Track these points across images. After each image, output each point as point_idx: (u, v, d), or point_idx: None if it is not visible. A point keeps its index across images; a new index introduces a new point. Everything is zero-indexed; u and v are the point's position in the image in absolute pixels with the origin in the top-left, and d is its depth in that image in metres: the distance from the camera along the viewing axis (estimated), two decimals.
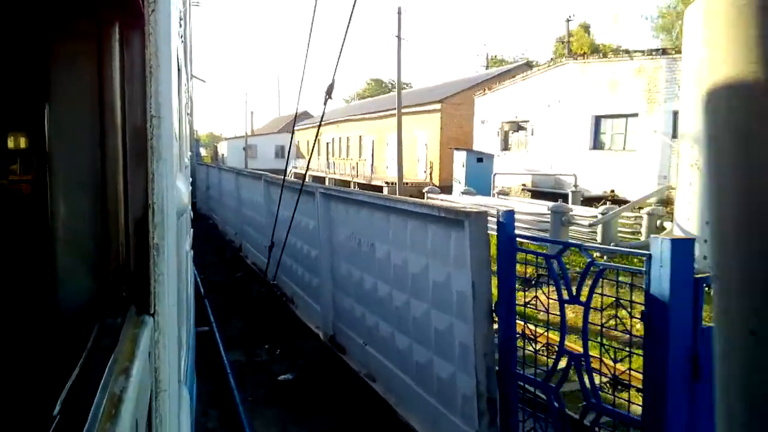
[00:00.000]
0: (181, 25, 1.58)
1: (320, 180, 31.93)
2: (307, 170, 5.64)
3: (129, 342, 0.62)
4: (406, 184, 21.73)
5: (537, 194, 13.42)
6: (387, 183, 21.65)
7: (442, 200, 10.09)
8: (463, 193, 11.65)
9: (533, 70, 16.26)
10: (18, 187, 0.81)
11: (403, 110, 25.10)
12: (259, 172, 7.68)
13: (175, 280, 0.83)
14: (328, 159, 38.61)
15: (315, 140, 5.76)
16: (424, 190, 11.84)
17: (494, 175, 14.91)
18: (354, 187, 25.09)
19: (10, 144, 0.85)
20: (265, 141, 47.71)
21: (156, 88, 0.71)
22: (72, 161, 0.73)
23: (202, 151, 43.09)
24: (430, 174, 22.74)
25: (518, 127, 16.65)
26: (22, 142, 0.85)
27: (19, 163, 0.84)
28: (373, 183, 23.32)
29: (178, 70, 1.31)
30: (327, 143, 41.08)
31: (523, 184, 15.16)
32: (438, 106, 22.52)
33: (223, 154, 48.01)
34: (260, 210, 6.64)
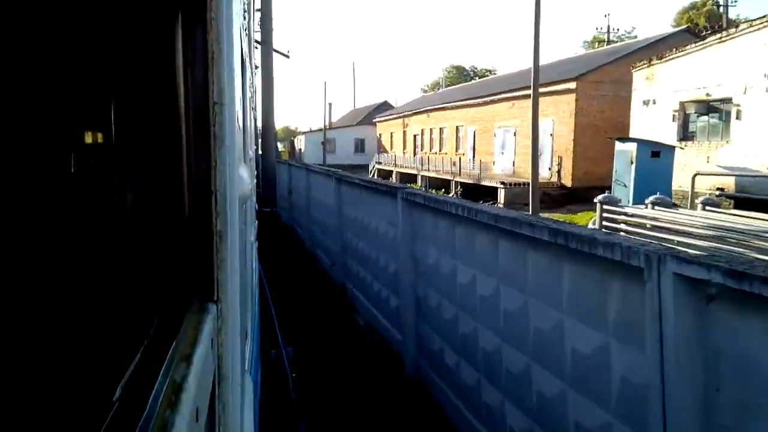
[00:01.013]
0: (245, 18, 1.91)
1: (411, 179, 33.13)
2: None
3: (191, 329, 0.77)
4: (518, 185, 20.96)
5: (745, 202, 11.54)
6: (503, 184, 21.15)
7: (637, 217, 7.60)
8: (653, 204, 8.14)
9: (740, 29, 14.02)
10: (91, 178, 1.11)
11: (519, 92, 24.61)
12: (384, 182, 6.38)
13: (238, 268, 1.02)
14: (415, 153, 40.16)
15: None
16: (597, 199, 8.82)
17: (694, 176, 12.93)
18: (456, 188, 25.73)
19: (88, 139, 1.16)
20: (344, 134, 52.87)
21: (218, 75, 0.88)
22: (137, 150, 0.93)
23: (279, 146, 47.95)
24: (558, 172, 21.84)
25: (708, 108, 14.73)
26: (95, 137, 1.17)
27: (93, 155, 1.15)
28: (483, 183, 23.02)
29: (242, 62, 1.59)
30: (415, 136, 42.67)
31: (719, 188, 13.34)
32: (572, 84, 21.43)
33: (300, 149, 53.16)
34: (388, 248, 4.75)
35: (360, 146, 52.50)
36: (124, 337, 0.84)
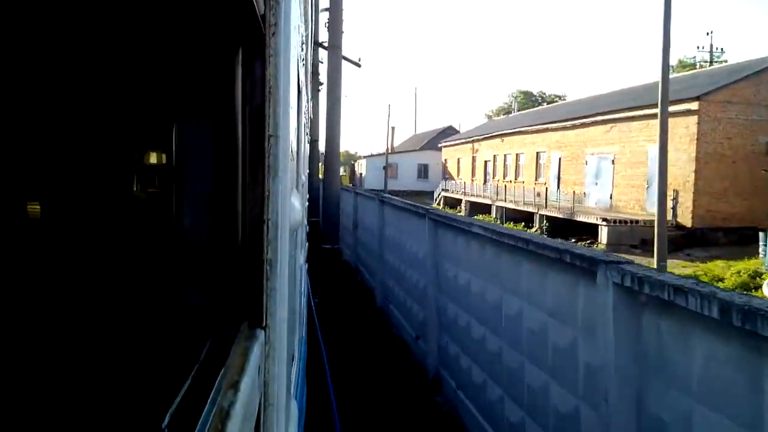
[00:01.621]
0: (303, 49, 2.19)
1: (483, 210, 33.20)
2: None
3: (240, 356, 0.90)
4: (624, 222, 20.14)
5: None
6: (606, 221, 20.55)
7: None
8: None
9: None
10: (151, 200, 1.36)
11: (621, 114, 24.09)
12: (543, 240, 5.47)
13: (286, 295, 1.17)
14: (485, 181, 40.56)
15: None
16: None
17: None
18: (541, 222, 25.48)
19: (153, 160, 1.41)
20: (407, 159, 56.41)
21: (274, 109, 1.04)
22: (195, 177, 1.11)
23: (340, 170, 49.93)
24: (674, 209, 20.74)
25: None
26: (156, 158, 1.42)
27: (155, 178, 1.41)
28: (578, 219, 22.63)
29: (298, 91, 1.83)
30: (486, 162, 43.72)
31: None
32: (693, 105, 20.75)
33: (361, 174, 56.78)
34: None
35: (423, 172, 55.45)
36: (175, 362, 0.99)
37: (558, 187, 29.45)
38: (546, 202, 26.47)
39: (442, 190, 44.66)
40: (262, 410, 1.00)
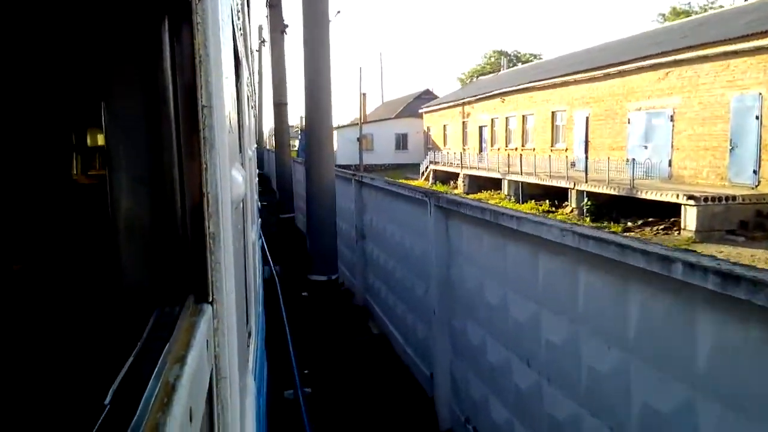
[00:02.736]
0: (239, 17, 2.50)
1: (489, 185, 34.39)
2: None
3: (185, 331, 1.15)
4: (715, 199, 18.76)
5: None
6: (695, 200, 18.71)
7: None
8: None
9: None
10: (93, 182, 1.66)
11: (687, 53, 22.76)
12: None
13: (233, 269, 1.43)
14: (482, 149, 42.61)
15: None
16: None
17: None
18: (581, 201, 25.05)
19: (89, 142, 1.69)
20: (383, 129, 59.42)
21: (206, 79, 1.29)
22: (129, 154, 1.34)
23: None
24: None
25: None
26: (92, 139, 1.72)
27: (93, 159, 1.72)
28: (644, 197, 21.10)
29: (237, 62, 2.12)
30: (481, 128, 45.20)
31: None
32: None
33: None
34: None
35: (402, 142, 59.00)
36: (117, 339, 1.24)
37: (586, 154, 29.68)
38: (586, 173, 25.95)
39: (431, 162, 46.07)
40: (215, 384, 1.29)
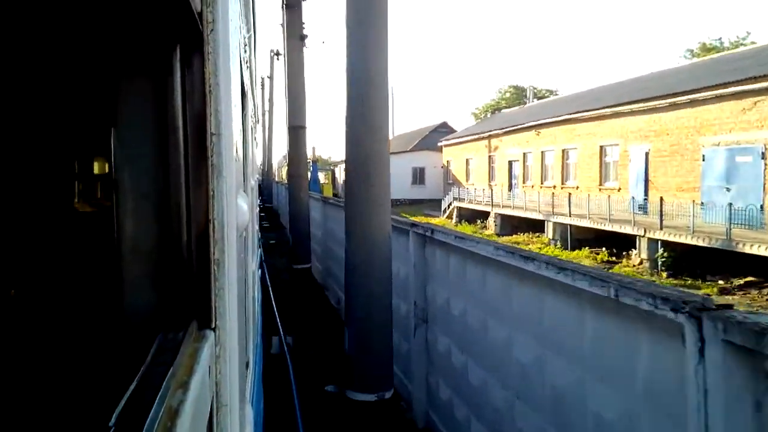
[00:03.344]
0: (245, 51, 2.78)
1: (527, 225, 34.63)
2: None
3: (188, 356, 1.33)
4: None
5: None
6: None
7: None
8: None
9: None
10: (94, 207, 1.92)
11: None
12: None
13: (236, 296, 1.64)
14: (511, 186, 43.73)
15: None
16: None
17: None
18: (652, 251, 24.40)
19: (96, 169, 1.95)
20: (398, 162, 61.08)
21: (215, 107, 1.49)
22: (136, 180, 1.54)
23: (321, 177, 56.39)
24: None
25: None
26: (99, 167, 1.98)
27: (98, 187, 1.98)
28: (748, 251, 19.99)
29: (243, 93, 2.39)
30: (511, 162, 46.34)
31: None
32: None
33: (345, 181, 60.00)
34: None
35: (419, 176, 62.53)
36: (121, 362, 1.42)
37: (645, 194, 29.49)
38: (661, 219, 24.86)
39: (454, 198, 46.99)
40: (215, 411, 1.48)
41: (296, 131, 21.27)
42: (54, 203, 2.03)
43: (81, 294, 1.85)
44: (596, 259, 27.70)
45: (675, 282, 22.16)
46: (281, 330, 11.75)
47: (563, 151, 38.15)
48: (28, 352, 1.77)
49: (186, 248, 1.54)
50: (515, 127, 44.28)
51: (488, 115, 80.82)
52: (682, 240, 23.48)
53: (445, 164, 60.09)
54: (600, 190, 33.56)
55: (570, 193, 33.06)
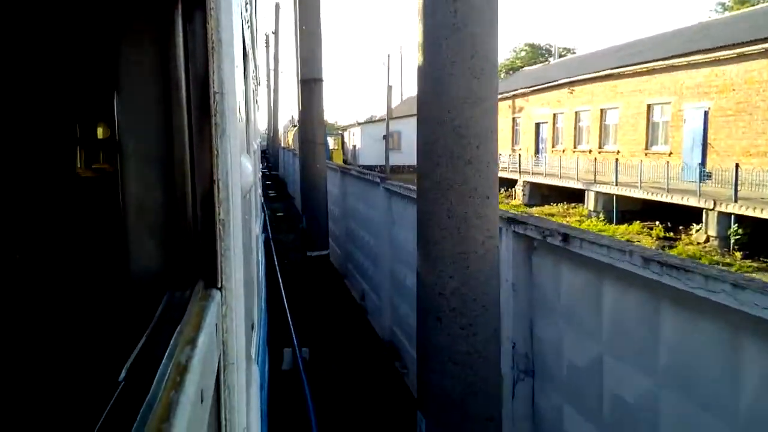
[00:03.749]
0: (247, 10, 2.95)
1: (560, 195, 34.16)
2: None
3: (196, 314, 1.49)
4: None
5: None
6: None
7: None
8: None
9: None
10: (96, 175, 2.14)
11: None
12: None
13: (242, 257, 1.80)
14: (537, 150, 44.09)
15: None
16: None
17: None
18: (725, 227, 23.56)
19: (100, 134, 2.15)
20: (411, 126, 61.92)
21: (218, 65, 1.63)
22: (140, 140, 1.69)
23: (330, 142, 58.48)
24: None
25: None
26: (101, 131, 2.19)
27: (99, 149, 2.20)
28: None
29: (244, 54, 2.55)
30: (538, 124, 46.79)
31: None
32: None
33: (354, 146, 66.70)
34: None
35: None
36: (129, 321, 1.59)
37: (703, 160, 28.78)
38: (736, 188, 23.62)
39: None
40: (222, 369, 1.65)
41: (310, 86, 17.54)
42: (56, 169, 2.24)
43: (86, 257, 2.05)
44: (651, 235, 27.20)
45: (754, 264, 21.25)
46: (295, 340, 10.21)
47: (602, 111, 37.82)
48: (37, 313, 1.97)
49: (191, 209, 1.70)
50: (545, 85, 44.12)
51: (503, 76, 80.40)
52: (764, 215, 22.17)
53: None
54: (646, 155, 33.12)
55: (617, 159, 32.38)
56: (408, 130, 60.85)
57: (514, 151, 45.64)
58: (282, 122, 73.17)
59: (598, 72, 37.77)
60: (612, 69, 36.53)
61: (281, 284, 13.71)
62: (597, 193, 32.29)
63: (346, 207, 17.16)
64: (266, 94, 65.92)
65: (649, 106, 34.01)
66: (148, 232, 1.76)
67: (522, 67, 77.62)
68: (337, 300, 14.57)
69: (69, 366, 1.87)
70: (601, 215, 31.77)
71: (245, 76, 2.91)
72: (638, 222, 29.15)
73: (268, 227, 22.92)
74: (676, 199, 26.82)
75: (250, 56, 3.54)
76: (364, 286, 13.70)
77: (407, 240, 9.48)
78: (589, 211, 32.85)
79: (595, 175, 32.66)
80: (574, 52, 78.01)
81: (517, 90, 48.88)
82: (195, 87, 1.73)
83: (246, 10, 3.01)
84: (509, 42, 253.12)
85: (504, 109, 49.50)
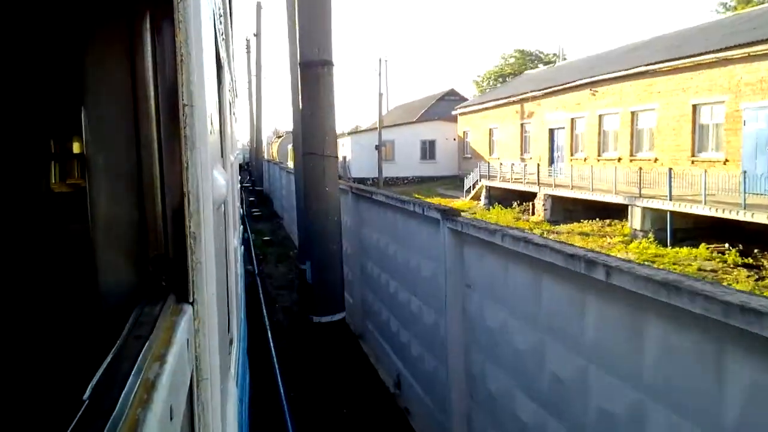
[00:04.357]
0: (221, 23, 3.26)
1: (592, 210, 33.80)
2: None
3: (166, 330, 1.65)
4: None
5: None
6: None
7: None
8: None
9: None
10: (71, 190, 2.43)
11: None
12: None
13: (214, 270, 2.02)
14: (552, 159, 44.78)
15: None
16: None
17: None
18: None
19: (75, 149, 2.45)
20: (405, 135, 67.82)
21: (187, 77, 1.84)
22: (108, 153, 1.92)
23: None
24: None
25: None
26: (70, 146, 2.49)
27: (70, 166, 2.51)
28: None
29: (219, 66, 2.85)
30: (552, 130, 47.43)
31: None
32: None
33: (344, 157, 66.77)
34: None
35: (429, 150, 67.56)
36: (96, 337, 1.78)
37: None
38: None
39: (482, 176, 47.01)
40: (195, 385, 1.88)
41: (315, 72, 13.23)
42: (30, 185, 2.56)
43: (57, 273, 2.35)
44: (725, 261, 25.86)
45: None
46: (284, 404, 9.96)
47: (633, 113, 37.68)
48: (4, 330, 2.26)
49: (162, 222, 1.95)
50: (560, 87, 44.29)
51: (491, 83, 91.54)
52: None
53: (461, 136, 63.69)
54: (692, 162, 32.60)
55: (671, 168, 30.37)
56: (402, 140, 64.15)
57: (523, 159, 46.28)
58: (265, 133, 74.07)
59: (628, 69, 37.51)
60: (645, 66, 36.18)
61: (278, 374, 11.46)
62: (644, 209, 31.12)
63: (361, 241, 14.45)
64: (248, 104, 67.31)
65: (694, 107, 33.45)
66: (117, 246, 2.00)
67: (512, 74, 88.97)
68: (356, 382, 11.61)
69: (33, 384, 2.14)
70: (650, 235, 30.63)
71: (220, 87, 3.20)
72: (704, 245, 28.02)
73: (254, 259, 21.96)
74: (760, 218, 25.22)
75: (226, 68, 3.86)
76: (400, 367, 11.01)
77: (500, 322, 6.89)
78: (633, 230, 31.90)
79: (640, 188, 32.07)
80: (565, 58, 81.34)
81: (526, 93, 49.38)
82: (164, 100, 1.97)
83: (220, 23, 3.29)
84: (494, 49, 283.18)
85: (510, 114, 50.93)
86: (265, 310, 14.93)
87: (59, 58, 2.44)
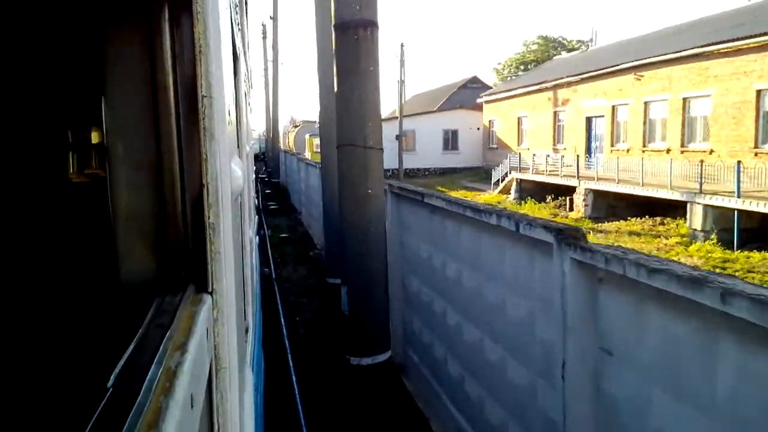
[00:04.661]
0: (237, 13, 3.46)
1: (647, 207, 32.89)
2: None
3: (186, 319, 1.80)
4: None
5: None
6: None
7: None
8: None
9: None
10: (88, 180, 2.66)
11: None
12: None
13: (233, 260, 2.20)
14: (588, 149, 43.99)
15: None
16: None
17: None
18: None
19: (94, 139, 2.67)
20: (426, 124, 68.17)
21: (206, 68, 1.99)
22: (129, 145, 2.10)
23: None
24: None
25: None
26: (95, 137, 2.71)
27: (88, 154, 2.74)
28: None
29: (235, 57, 3.05)
30: (590, 119, 46.75)
31: None
32: None
33: None
34: None
35: (451, 141, 67.70)
36: (119, 327, 1.95)
37: None
38: None
39: (512, 168, 46.04)
40: (214, 374, 2.03)
41: (354, 33, 10.91)
42: (48, 174, 2.78)
43: (77, 263, 2.55)
44: None
45: None
46: None
47: (684, 100, 36.56)
48: (27, 320, 2.46)
49: (181, 213, 2.11)
50: (600, 71, 43.36)
51: (512, 70, 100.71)
52: None
53: (487, 125, 63.58)
54: (756, 154, 31.30)
55: (739, 161, 29.42)
56: (423, 129, 64.36)
57: (556, 150, 45.67)
58: (282, 123, 73.98)
59: (679, 52, 36.22)
60: (700, 47, 34.76)
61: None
62: (706, 206, 29.57)
63: (403, 250, 12.24)
64: (264, 92, 68.58)
65: (758, 92, 31.88)
66: (137, 236, 2.17)
67: (534, 60, 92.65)
68: None
69: (58, 372, 2.32)
70: (713, 236, 29.19)
71: (236, 78, 3.39)
72: None
73: (271, 261, 21.42)
74: None
75: (242, 58, 4.07)
76: (463, 425, 9.04)
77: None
78: (692, 230, 30.44)
79: (701, 183, 30.39)
80: (588, 45, 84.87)
81: (560, 79, 48.51)
82: (183, 91, 2.13)
83: (236, 13, 3.48)
84: (518, 36, 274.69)
85: (542, 102, 50.40)
86: (285, 331, 13.06)
87: (78, 50, 2.62)
